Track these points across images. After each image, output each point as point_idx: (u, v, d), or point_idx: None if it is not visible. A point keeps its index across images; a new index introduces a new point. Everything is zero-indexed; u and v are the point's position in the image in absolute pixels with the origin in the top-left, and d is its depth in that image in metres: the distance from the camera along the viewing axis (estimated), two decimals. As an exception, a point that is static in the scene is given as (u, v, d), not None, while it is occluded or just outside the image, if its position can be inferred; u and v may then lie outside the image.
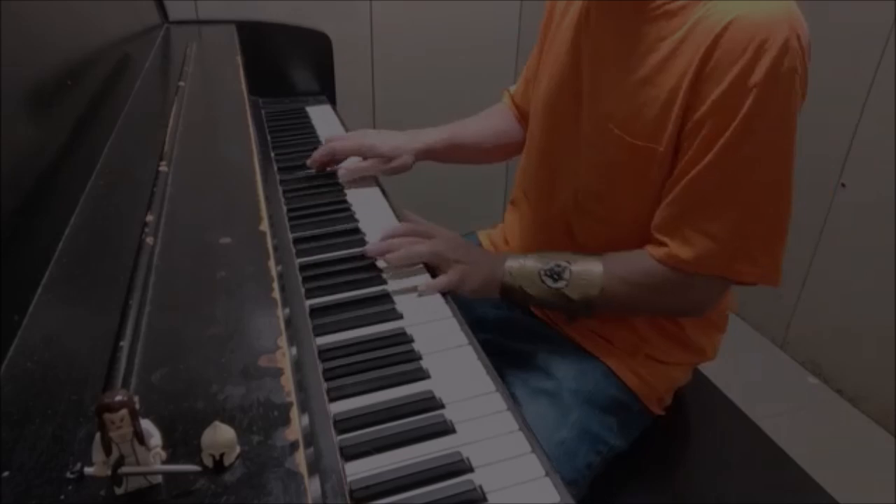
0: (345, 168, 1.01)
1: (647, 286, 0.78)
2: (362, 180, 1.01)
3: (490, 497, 0.50)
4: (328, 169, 1.03)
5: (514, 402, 0.60)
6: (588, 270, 0.79)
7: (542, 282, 0.80)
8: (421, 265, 0.79)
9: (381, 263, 0.79)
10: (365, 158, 1.02)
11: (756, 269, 0.74)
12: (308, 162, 1.02)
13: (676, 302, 0.81)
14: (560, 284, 0.79)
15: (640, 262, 0.78)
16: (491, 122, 1.10)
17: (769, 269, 0.75)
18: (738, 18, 0.68)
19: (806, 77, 0.71)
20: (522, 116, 1.09)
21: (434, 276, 0.78)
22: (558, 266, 0.80)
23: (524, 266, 0.81)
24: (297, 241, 0.83)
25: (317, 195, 0.97)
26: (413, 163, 1.02)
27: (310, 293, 0.73)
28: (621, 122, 0.77)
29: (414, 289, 0.75)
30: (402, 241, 0.80)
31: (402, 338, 0.67)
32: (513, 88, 1.12)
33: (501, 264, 0.82)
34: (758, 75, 0.67)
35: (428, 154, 1.03)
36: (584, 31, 0.83)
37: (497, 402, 0.60)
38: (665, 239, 0.76)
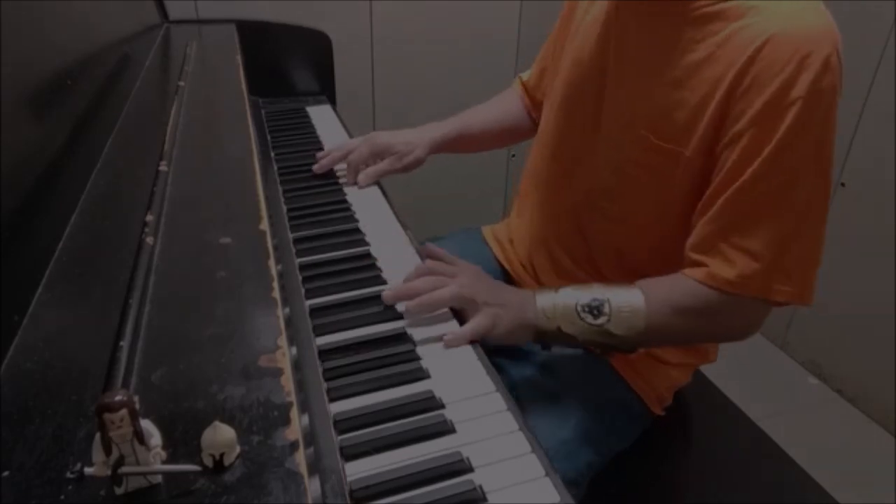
0: (362, 174, 1.00)
1: (692, 311, 0.74)
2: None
3: (490, 497, 0.50)
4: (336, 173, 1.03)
5: (514, 401, 0.60)
6: (629, 301, 0.73)
7: (582, 319, 0.73)
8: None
9: (387, 273, 0.77)
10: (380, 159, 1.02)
11: (791, 287, 0.71)
12: (316, 168, 1.02)
13: (721, 327, 0.77)
14: (601, 321, 0.73)
15: (681, 285, 0.74)
16: (499, 108, 1.11)
17: (804, 288, 0.72)
18: (781, 32, 0.67)
19: (840, 93, 0.70)
20: (533, 105, 1.09)
21: (458, 317, 0.72)
22: (595, 300, 0.73)
23: (557, 304, 0.74)
24: (297, 240, 0.83)
25: (317, 195, 0.97)
26: (426, 157, 1.03)
27: (310, 293, 0.73)
28: (648, 122, 0.77)
29: None
30: (423, 283, 0.73)
31: (402, 338, 0.67)
32: (525, 75, 1.11)
33: (532, 304, 0.75)
34: (800, 89, 0.66)
35: (440, 146, 1.04)
36: (612, 30, 0.82)
37: (497, 402, 0.60)
38: (704, 258, 0.74)
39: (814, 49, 0.66)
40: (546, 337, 0.75)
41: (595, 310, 0.73)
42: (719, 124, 0.71)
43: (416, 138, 1.03)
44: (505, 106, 1.12)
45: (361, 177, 1.00)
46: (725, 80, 0.70)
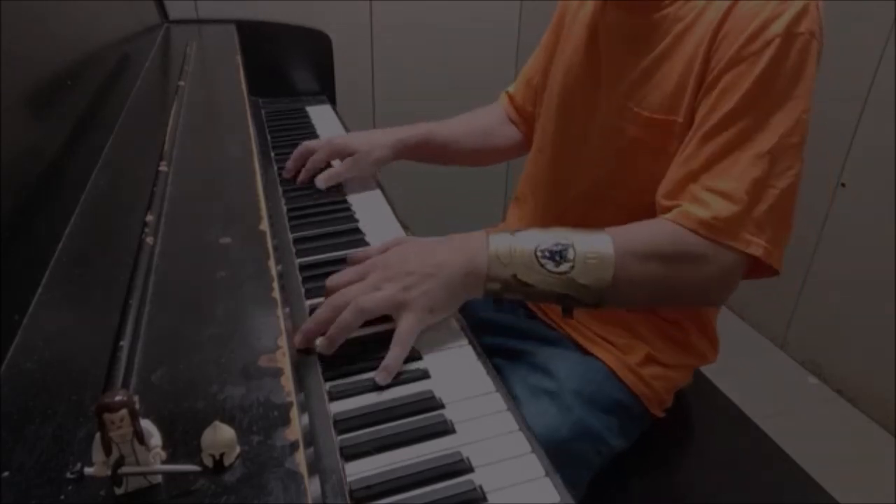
0: (320, 176, 0.97)
1: (663, 256, 0.70)
2: (362, 179, 1.01)
3: (490, 497, 0.50)
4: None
5: (513, 401, 0.60)
6: (595, 247, 0.67)
7: (542, 265, 0.66)
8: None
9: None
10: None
11: (762, 241, 0.69)
12: (285, 174, 1.00)
13: (693, 279, 0.72)
14: (564, 268, 0.65)
15: (653, 227, 0.72)
16: (473, 122, 1.08)
17: (774, 245, 0.70)
18: None
19: (821, 47, 0.71)
20: (521, 117, 1.09)
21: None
22: (559, 244, 0.66)
23: (514, 248, 0.66)
24: (297, 241, 0.83)
25: (317, 195, 0.97)
26: (389, 158, 1.00)
27: (310, 293, 0.73)
28: (639, 100, 0.78)
29: None
30: (327, 311, 0.62)
31: (402, 338, 0.67)
32: (511, 88, 1.11)
33: (483, 249, 0.67)
34: (777, 28, 0.68)
35: (402, 150, 1.01)
36: (601, 24, 0.84)
37: (497, 402, 0.60)
38: (674, 203, 0.72)
39: None
40: (498, 288, 0.67)
41: (557, 255, 0.66)
42: (701, 79, 0.73)
43: (378, 139, 1.00)
44: (477, 121, 1.08)
45: (319, 180, 0.97)
46: (705, 39, 0.72)
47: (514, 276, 0.66)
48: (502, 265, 0.66)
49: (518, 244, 0.67)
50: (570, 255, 0.66)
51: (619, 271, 0.67)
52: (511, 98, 1.10)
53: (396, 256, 0.68)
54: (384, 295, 0.63)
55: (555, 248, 0.67)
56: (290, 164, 1.01)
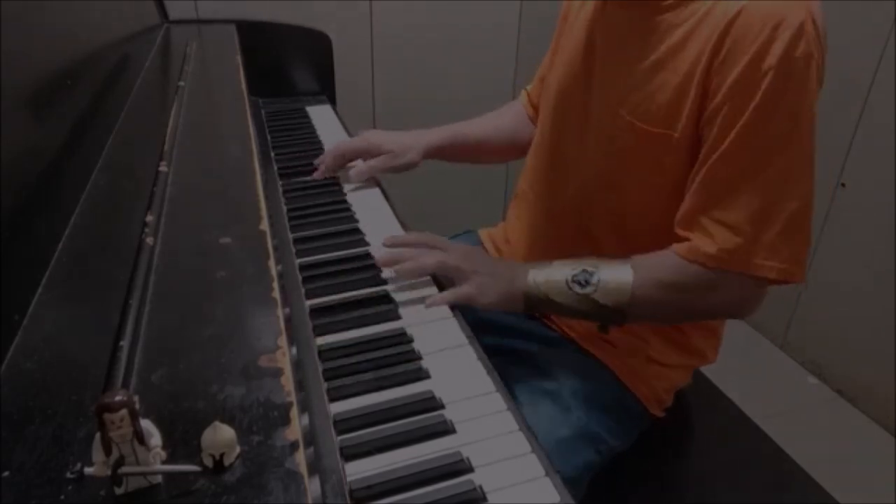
0: (355, 169, 1.00)
1: (677, 286, 0.75)
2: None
3: (490, 497, 0.50)
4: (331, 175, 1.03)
5: (513, 401, 0.60)
6: (617, 275, 0.75)
7: (570, 289, 0.76)
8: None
9: (387, 272, 0.78)
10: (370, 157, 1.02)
11: (777, 263, 0.71)
12: (317, 175, 1.02)
13: (709, 303, 0.77)
14: (588, 290, 0.75)
15: (667, 260, 0.75)
16: (500, 120, 1.11)
17: (792, 263, 0.71)
18: (752, 3, 0.68)
19: (822, 63, 0.70)
20: (537, 114, 1.09)
21: (442, 289, 0.76)
22: (585, 272, 0.76)
23: (550, 276, 0.77)
24: (297, 241, 0.83)
25: (317, 195, 0.97)
26: (420, 160, 1.02)
27: (310, 293, 0.73)
28: (633, 108, 0.78)
29: (414, 290, 0.75)
30: (410, 251, 0.78)
31: (402, 338, 0.67)
32: (530, 87, 1.12)
33: (524, 275, 0.78)
34: (773, 58, 0.67)
35: (434, 153, 1.04)
36: (598, 25, 0.84)
37: (497, 402, 0.60)
38: (687, 234, 0.75)
39: (786, 16, 0.66)
40: (536, 306, 0.78)
41: (583, 280, 0.76)
42: (701, 101, 0.72)
43: (410, 141, 1.02)
44: (504, 119, 1.11)
45: (353, 172, 1.00)
46: (703, 56, 0.71)
47: (548, 296, 0.77)
48: (538, 288, 0.77)
49: (553, 272, 0.78)
50: (595, 279, 0.76)
51: (637, 291, 0.74)
52: (529, 96, 1.11)
53: (465, 249, 0.82)
54: (458, 264, 0.78)
55: (581, 275, 0.76)
56: (330, 163, 1.02)
